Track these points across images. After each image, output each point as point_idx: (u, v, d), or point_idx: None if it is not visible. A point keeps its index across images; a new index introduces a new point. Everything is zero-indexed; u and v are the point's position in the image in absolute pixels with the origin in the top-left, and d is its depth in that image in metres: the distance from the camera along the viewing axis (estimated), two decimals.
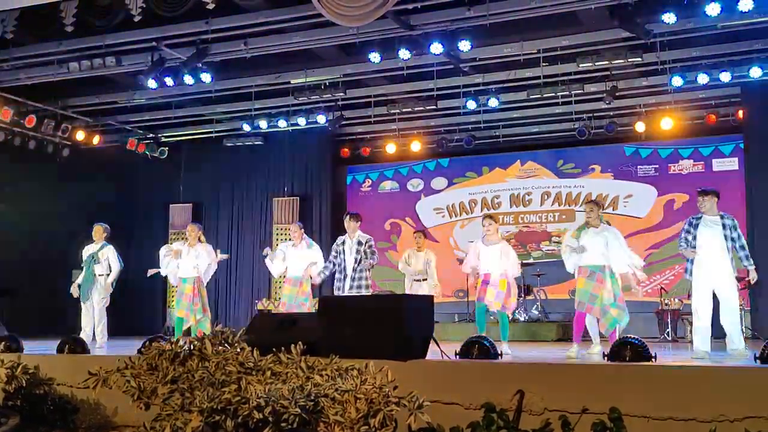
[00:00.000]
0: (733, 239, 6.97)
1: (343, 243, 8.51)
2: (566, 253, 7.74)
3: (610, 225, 7.90)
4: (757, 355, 5.10)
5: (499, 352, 5.88)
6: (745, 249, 7.03)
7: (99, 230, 9.68)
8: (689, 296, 11.28)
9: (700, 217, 7.13)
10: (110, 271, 9.50)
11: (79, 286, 9.50)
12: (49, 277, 13.11)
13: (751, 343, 10.10)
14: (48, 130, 12.81)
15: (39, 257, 12.96)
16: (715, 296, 7.03)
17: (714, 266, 6.94)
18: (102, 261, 9.50)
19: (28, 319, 11.75)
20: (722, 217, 7.08)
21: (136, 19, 8.98)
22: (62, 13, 9.06)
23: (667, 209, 13.02)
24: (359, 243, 8.39)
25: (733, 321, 6.93)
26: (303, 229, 9.53)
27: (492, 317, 8.74)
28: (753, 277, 7.07)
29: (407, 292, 9.63)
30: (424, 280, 9.65)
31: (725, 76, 10.74)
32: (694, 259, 7.01)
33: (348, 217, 8.63)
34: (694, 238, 7.03)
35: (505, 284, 8.20)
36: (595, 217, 7.64)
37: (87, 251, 9.64)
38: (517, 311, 11.45)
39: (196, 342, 4.31)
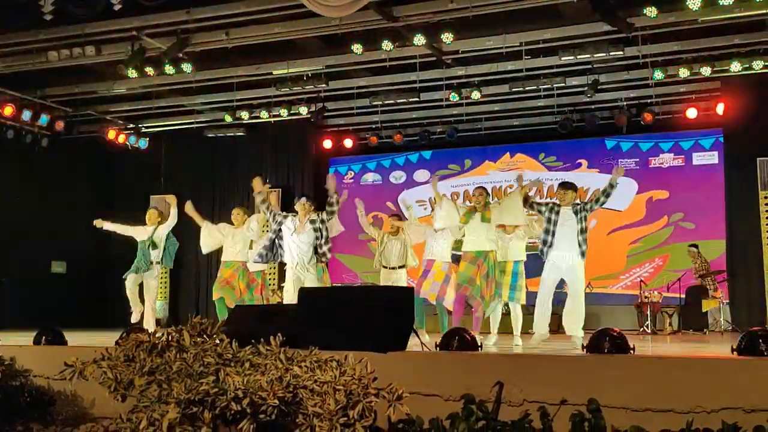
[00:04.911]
0: (587, 210, 7.31)
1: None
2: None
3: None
4: (735, 347, 5.14)
5: (480, 344, 5.89)
6: (597, 196, 7.39)
7: (154, 214, 9.45)
8: (668, 288, 11.44)
9: (559, 210, 7.40)
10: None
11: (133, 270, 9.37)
12: (27, 268, 13.02)
13: (729, 336, 10.22)
14: (27, 119, 12.67)
15: (18, 248, 12.84)
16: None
17: (566, 257, 7.27)
18: (159, 246, 9.32)
19: (5, 311, 11.66)
20: (576, 211, 7.33)
21: (116, 8, 8.89)
22: (41, 1, 8.95)
23: (648, 204, 13.11)
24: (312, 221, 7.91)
25: (577, 310, 7.26)
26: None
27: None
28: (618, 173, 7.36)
29: (382, 283, 9.21)
30: (401, 267, 9.17)
31: (706, 71, 10.81)
32: (550, 248, 7.34)
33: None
34: (555, 224, 7.31)
35: (443, 276, 8.36)
36: (482, 203, 7.81)
37: (139, 235, 9.38)
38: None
39: (174, 333, 4.28)
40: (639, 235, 13.03)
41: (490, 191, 13.84)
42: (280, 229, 7.97)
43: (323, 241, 7.82)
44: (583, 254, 7.23)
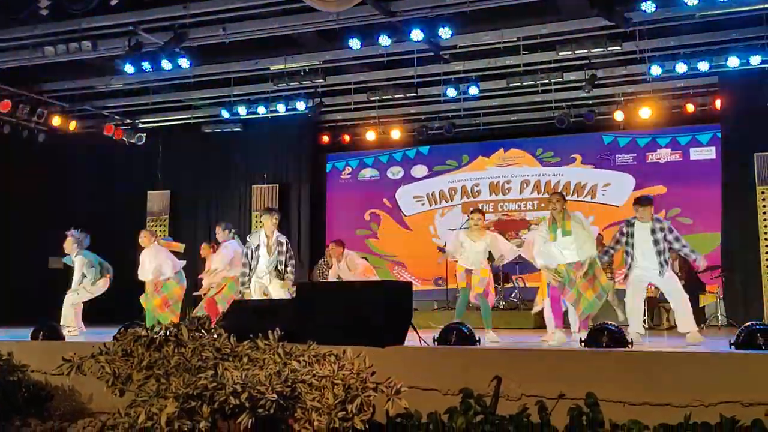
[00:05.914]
0: (667, 241, 7.18)
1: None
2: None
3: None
4: (732, 342, 5.15)
5: (478, 339, 5.89)
6: (683, 244, 7.23)
7: (69, 242, 9.62)
8: None
9: (634, 224, 7.32)
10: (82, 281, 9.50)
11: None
12: (21, 266, 12.99)
13: (726, 330, 10.24)
14: (23, 115, 12.63)
15: (15, 244, 12.82)
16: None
17: (647, 265, 7.17)
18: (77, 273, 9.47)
19: (2, 306, 11.64)
20: (654, 224, 7.25)
21: (113, 2, 8.85)
22: None
23: None
24: (279, 243, 8.25)
25: (678, 309, 7.22)
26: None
27: (470, 304, 8.80)
28: (702, 264, 7.45)
29: None
30: None
31: (703, 66, 10.78)
32: (633, 260, 7.28)
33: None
34: (631, 246, 7.26)
35: (488, 272, 8.46)
36: (559, 209, 7.46)
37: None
38: (496, 299, 11.49)
39: (172, 328, 4.28)
40: None
41: (488, 187, 14.05)
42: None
43: (285, 261, 8.16)
44: (664, 264, 7.15)
